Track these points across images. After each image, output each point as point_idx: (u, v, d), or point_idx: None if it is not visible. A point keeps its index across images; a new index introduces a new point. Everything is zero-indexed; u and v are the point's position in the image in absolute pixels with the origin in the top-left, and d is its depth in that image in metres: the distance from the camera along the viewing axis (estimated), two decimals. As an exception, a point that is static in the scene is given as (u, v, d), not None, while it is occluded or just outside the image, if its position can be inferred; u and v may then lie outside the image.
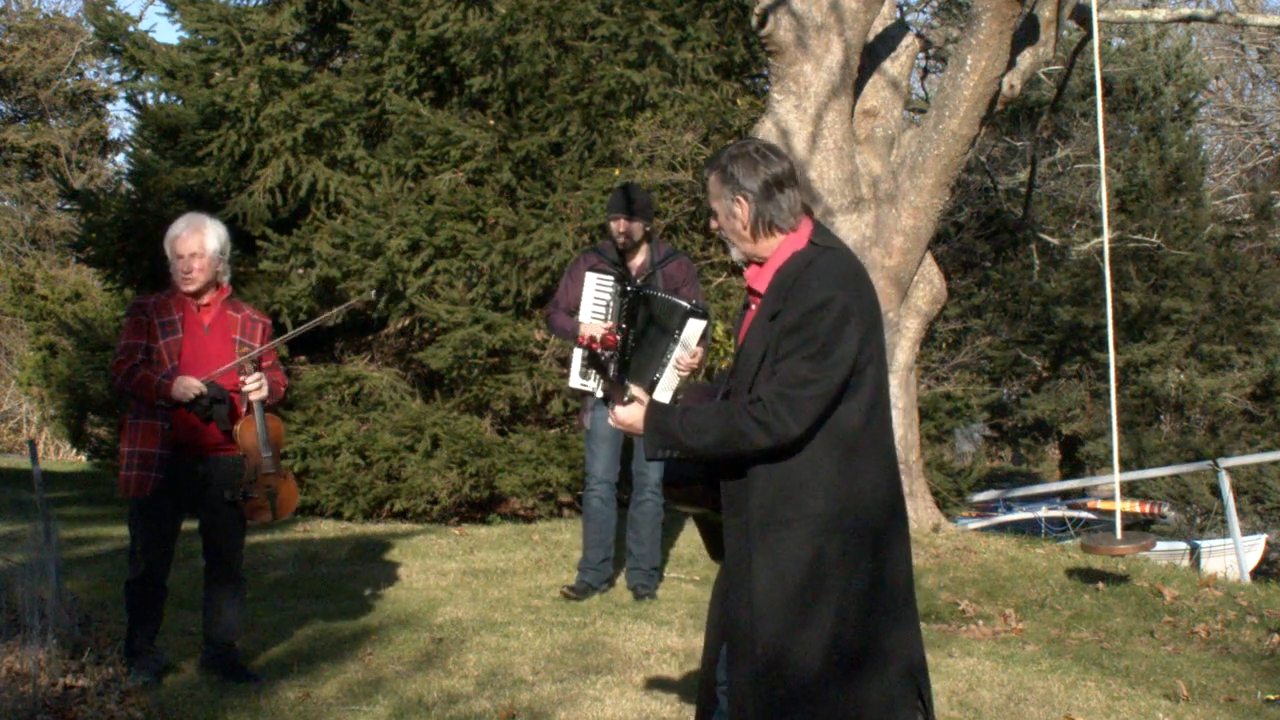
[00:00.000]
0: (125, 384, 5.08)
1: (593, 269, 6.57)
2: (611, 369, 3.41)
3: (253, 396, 5.17)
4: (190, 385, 5.01)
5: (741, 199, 3.33)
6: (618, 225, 6.59)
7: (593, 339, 3.34)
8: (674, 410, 3.32)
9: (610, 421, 3.46)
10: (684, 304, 6.17)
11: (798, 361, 3.17)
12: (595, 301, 6.47)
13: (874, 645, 3.22)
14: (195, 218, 5.28)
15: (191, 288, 5.16)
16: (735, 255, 3.45)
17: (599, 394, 3.48)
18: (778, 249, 3.35)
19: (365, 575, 7.42)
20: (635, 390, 3.40)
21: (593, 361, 3.38)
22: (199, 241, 5.15)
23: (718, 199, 3.38)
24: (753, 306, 3.41)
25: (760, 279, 3.37)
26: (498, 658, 5.52)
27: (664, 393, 6.01)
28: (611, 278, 6.46)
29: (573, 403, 9.67)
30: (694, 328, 6.05)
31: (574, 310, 6.53)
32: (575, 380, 6.55)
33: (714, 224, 3.46)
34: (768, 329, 3.25)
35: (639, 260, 6.66)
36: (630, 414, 3.36)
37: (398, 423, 9.95)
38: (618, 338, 3.60)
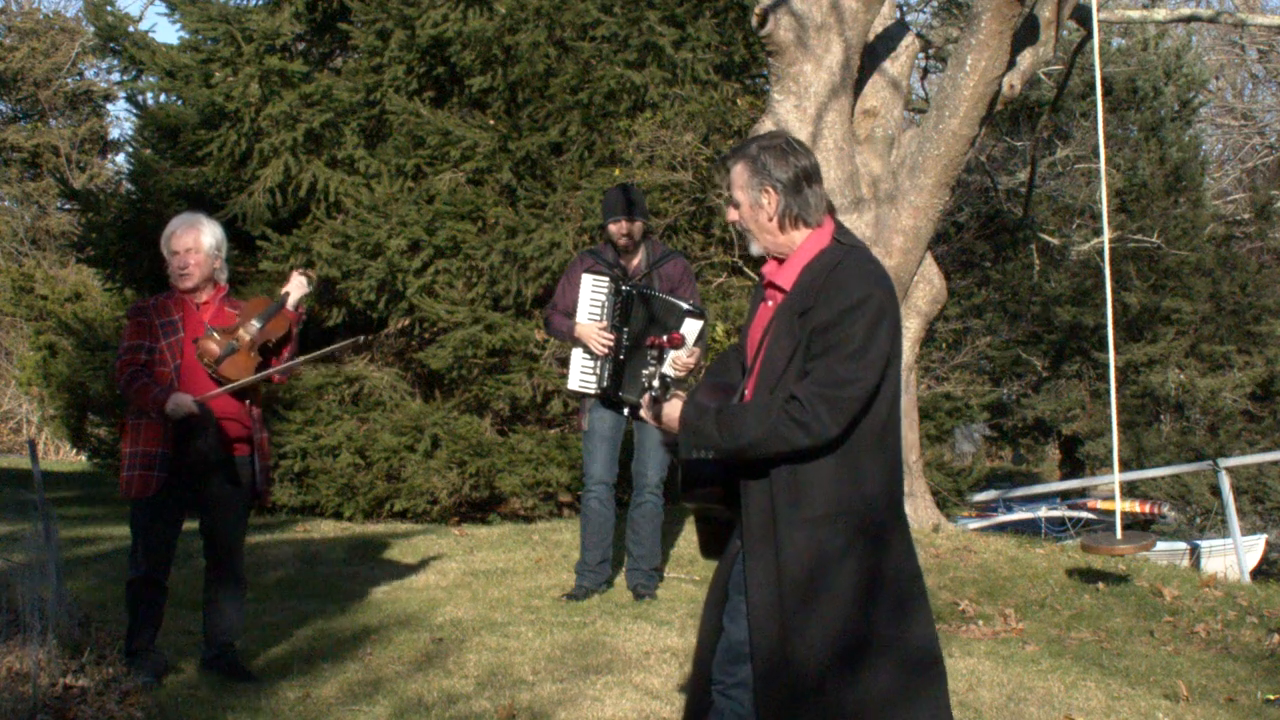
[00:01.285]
0: (128, 388, 5.08)
1: (589, 271, 6.59)
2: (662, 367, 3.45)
3: (292, 288, 5.35)
4: (182, 403, 4.98)
5: (770, 189, 3.30)
6: (619, 227, 6.59)
7: (664, 340, 3.38)
8: (710, 410, 3.28)
9: (647, 417, 3.43)
10: (682, 304, 6.22)
11: (836, 361, 3.14)
12: (591, 303, 6.49)
13: (888, 639, 3.21)
14: (190, 216, 5.29)
15: (188, 284, 5.16)
16: (755, 249, 3.39)
17: (649, 392, 3.46)
18: (802, 245, 3.32)
19: (365, 575, 7.43)
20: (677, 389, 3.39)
21: (659, 357, 3.40)
22: (194, 238, 5.17)
23: (743, 189, 3.34)
24: (769, 301, 3.37)
25: (784, 275, 3.33)
26: (498, 658, 5.52)
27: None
28: (607, 279, 6.48)
29: (572, 403, 9.67)
30: (691, 327, 6.06)
31: (571, 312, 6.56)
32: (574, 381, 6.56)
33: (733, 215, 3.41)
34: (796, 326, 3.22)
35: (635, 261, 6.67)
36: (667, 412, 3.35)
37: (398, 423, 9.95)
38: (682, 334, 3.64)
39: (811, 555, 3.19)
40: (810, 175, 3.32)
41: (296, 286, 5.39)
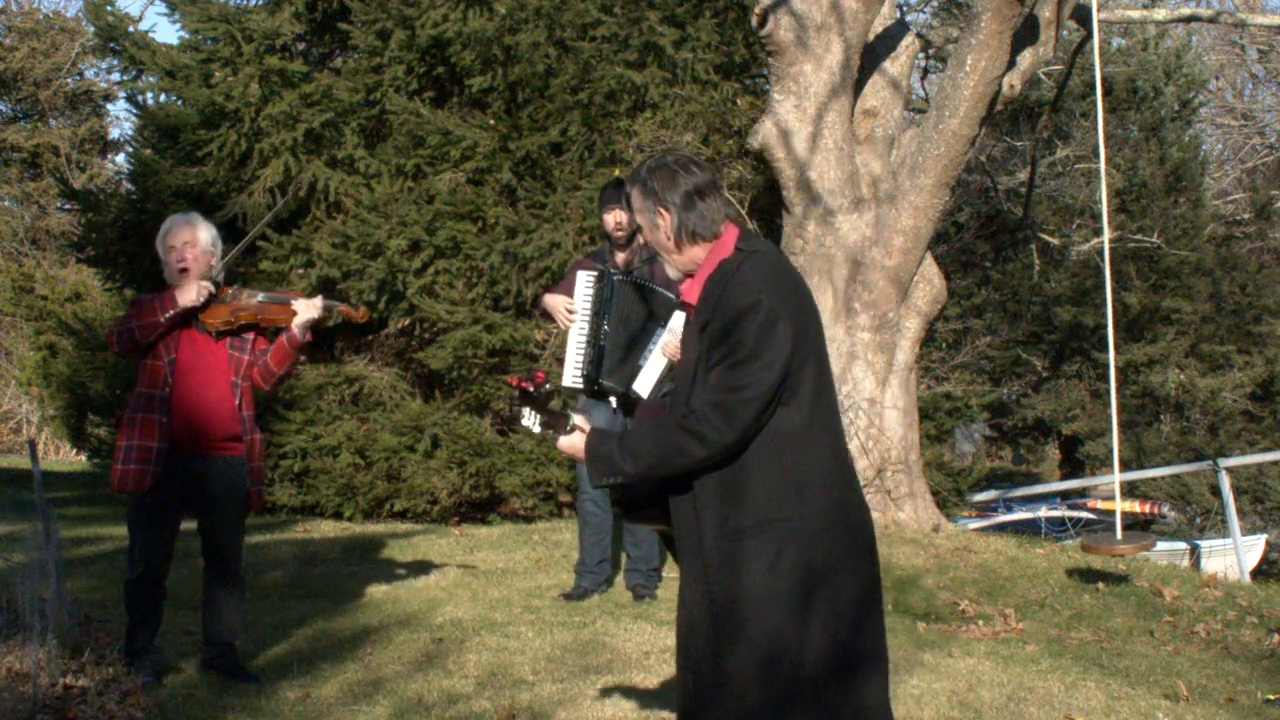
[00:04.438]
0: (124, 327, 5.08)
1: (585, 269, 6.61)
2: (550, 401, 3.38)
3: (302, 307, 5.23)
4: (201, 286, 5.05)
5: (663, 211, 3.31)
6: (612, 216, 6.57)
7: (523, 378, 3.32)
8: (613, 435, 3.29)
9: (560, 448, 3.43)
10: (672, 295, 6.24)
11: (727, 369, 3.12)
12: (584, 299, 6.50)
13: (847, 647, 3.16)
14: (185, 214, 5.35)
15: (186, 279, 5.16)
16: (671, 273, 3.41)
17: (528, 427, 3.48)
18: (706, 259, 3.32)
19: (365, 575, 7.43)
20: (578, 419, 3.37)
21: (526, 399, 3.40)
22: (191, 233, 5.20)
23: (641, 213, 3.37)
24: (690, 320, 3.39)
25: (692, 291, 3.34)
26: (498, 658, 5.52)
27: (650, 376, 6.12)
28: (598, 272, 6.50)
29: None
30: (679, 320, 6.07)
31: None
32: (568, 378, 6.56)
33: (641, 239, 3.44)
34: (699, 340, 3.23)
35: (627, 256, 6.67)
36: (572, 443, 3.34)
37: (398, 423, 9.95)
38: (546, 374, 3.58)
39: (740, 566, 3.14)
40: (703, 191, 3.31)
41: (307, 308, 5.23)
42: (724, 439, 3.10)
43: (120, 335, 5.11)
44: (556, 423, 3.38)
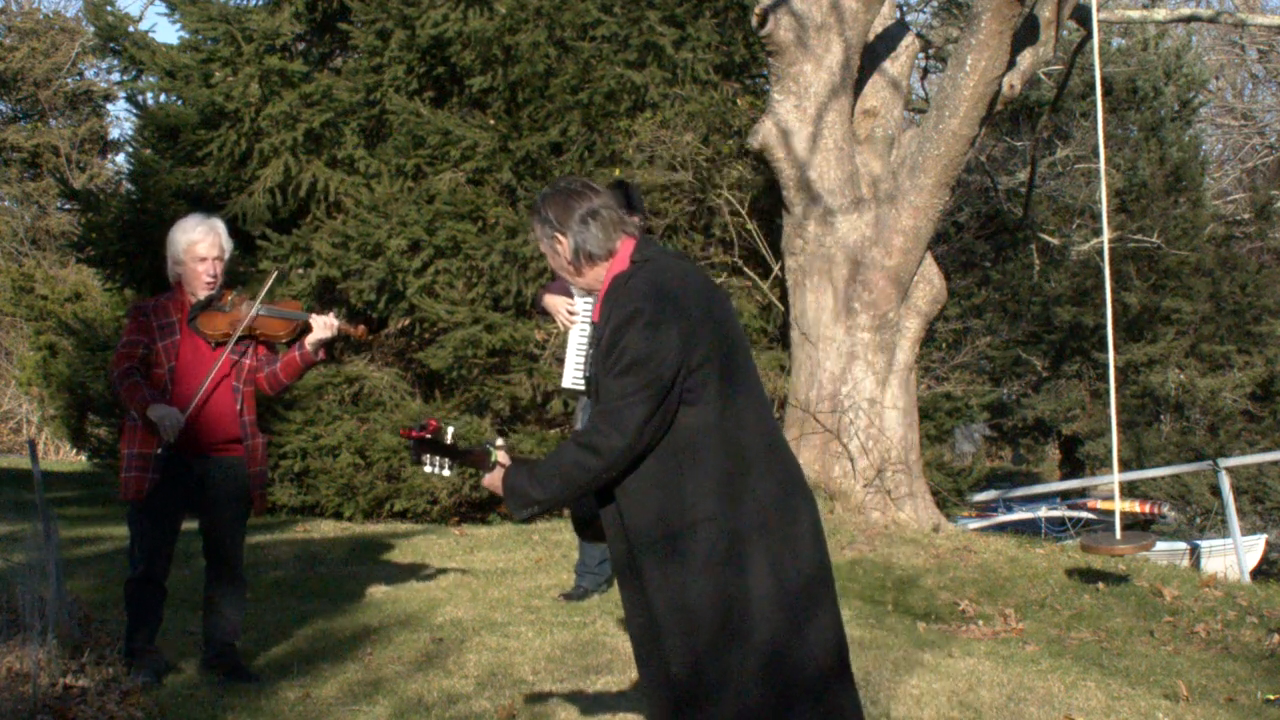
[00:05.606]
0: (119, 384, 5.09)
1: None
2: (459, 445, 3.37)
3: (317, 326, 5.19)
4: (173, 422, 4.97)
5: (559, 236, 3.36)
6: None
7: (413, 428, 3.30)
8: (524, 467, 3.31)
9: (485, 486, 3.42)
10: None
11: (612, 379, 3.16)
12: (585, 300, 6.50)
13: (776, 651, 3.11)
14: (205, 220, 5.25)
15: (214, 291, 5.17)
16: (577, 295, 3.47)
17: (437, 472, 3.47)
18: (605, 278, 3.35)
19: (365, 575, 7.43)
20: (500, 455, 3.38)
21: (423, 447, 3.39)
22: (219, 245, 5.19)
23: (541, 241, 3.43)
24: None
25: (597, 311, 3.37)
26: (498, 658, 5.52)
27: None
28: None
29: (572, 403, 9.67)
30: None
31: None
32: (567, 379, 6.56)
33: (550, 266, 3.49)
34: (598, 357, 3.26)
35: None
36: (492, 480, 3.37)
37: (398, 423, 9.95)
38: (439, 422, 3.56)
39: (674, 571, 3.13)
40: (595, 212, 3.35)
41: (323, 327, 5.22)
42: (614, 445, 3.12)
43: (117, 383, 5.10)
44: (477, 460, 3.37)
